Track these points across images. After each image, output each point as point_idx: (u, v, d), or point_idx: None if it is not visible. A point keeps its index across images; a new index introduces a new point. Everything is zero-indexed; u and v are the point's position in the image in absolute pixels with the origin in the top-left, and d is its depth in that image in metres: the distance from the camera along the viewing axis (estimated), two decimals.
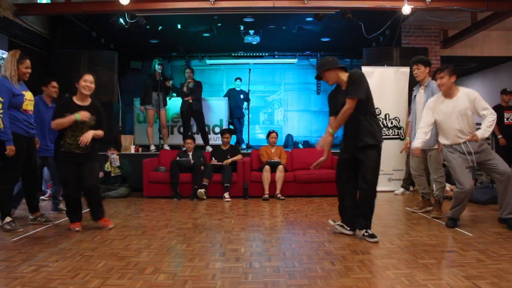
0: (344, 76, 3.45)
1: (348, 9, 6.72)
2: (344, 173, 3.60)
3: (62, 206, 4.70)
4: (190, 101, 7.04)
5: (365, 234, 3.44)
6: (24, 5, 6.19)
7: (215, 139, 7.89)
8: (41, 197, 5.58)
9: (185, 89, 7.10)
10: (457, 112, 3.81)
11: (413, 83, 6.62)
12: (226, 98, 8.46)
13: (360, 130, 3.38)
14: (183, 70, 8.03)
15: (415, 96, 4.70)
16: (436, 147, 4.38)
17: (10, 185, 3.81)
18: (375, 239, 3.38)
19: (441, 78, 3.86)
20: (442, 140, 3.95)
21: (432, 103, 3.97)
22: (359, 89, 3.32)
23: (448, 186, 5.73)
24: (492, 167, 3.78)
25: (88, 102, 3.87)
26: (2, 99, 3.62)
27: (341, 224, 3.69)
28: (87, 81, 3.82)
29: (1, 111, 3.61)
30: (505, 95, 6.36)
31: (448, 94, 3.88)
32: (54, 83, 4.61)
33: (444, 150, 3.96)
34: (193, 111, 7.11)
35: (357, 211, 3.53)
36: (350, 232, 3.61)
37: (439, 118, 3.91)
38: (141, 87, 7.18)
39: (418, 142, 3.93)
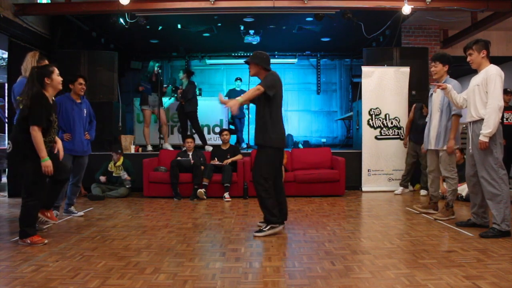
0: (264, 75, 3.77)
1: (348, 9, 6.72)
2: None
3: (73, 208, 4.66)
4: (182, 103, 7.06)
5: (264, 229, 3.66)
6: (24, 5, 6.19)
7: (215, 139, 7.89)
8: None
9: (179, 92, 7.16)
10: (471, 86, 3.67)
11: (413, 83, 6.69)
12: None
13: (259, 128, 3.75)
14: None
15: (431, 94, 4.48)
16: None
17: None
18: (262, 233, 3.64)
19: (470, 55, 3.68)
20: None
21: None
22: (270, 85, 3.64)
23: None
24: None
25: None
26: None
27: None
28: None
29: None
30: (505, 95, 6.35)
31: (479, 69, 3.68)
32: (81, 80, 4.54)
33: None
34: (185, 113, 7.08)
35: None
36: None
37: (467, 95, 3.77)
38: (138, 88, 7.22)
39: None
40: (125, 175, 6.06)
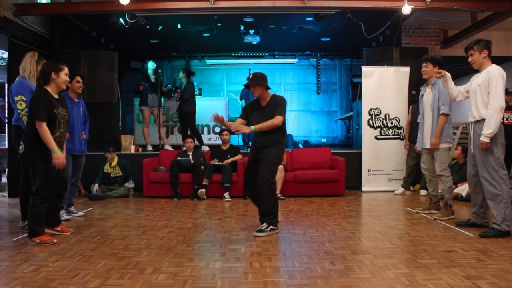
0: (267, 94, 3.92)
1: (348, 9, 6.72)
2: (251, 173, 3.96)
3: (73, 208, 4.66)
4: (181, 103, 7.09)
5: (266, 229, 3.69)
6: (24, 5, 6.19)
7: (215, 139, 7.89)
8: None
9: (176, 95, 7.20)
10: (473, 86, 3.67)
11: (413, 83, 6.68)
12: (226, 98, 8.48)
13: (270, 139, 3.84)
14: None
15: (422, 95, 4.58)
16: (443, 146, 4.32)
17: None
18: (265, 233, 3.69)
19: (471, 55, 3.69)
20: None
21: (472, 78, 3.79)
22: (284, 110, 3.87)
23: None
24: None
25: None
26: (25, 97, 3.68)
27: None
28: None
29: (26, 109, 3.65)
30: (506, 96, 6.35)
31: (480, 70, 3.68)
32: (79, 78, 4.53)
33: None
34: (183, 113, 7.09)
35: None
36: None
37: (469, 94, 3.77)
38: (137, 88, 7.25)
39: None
40: (132, 184, 6.09)
